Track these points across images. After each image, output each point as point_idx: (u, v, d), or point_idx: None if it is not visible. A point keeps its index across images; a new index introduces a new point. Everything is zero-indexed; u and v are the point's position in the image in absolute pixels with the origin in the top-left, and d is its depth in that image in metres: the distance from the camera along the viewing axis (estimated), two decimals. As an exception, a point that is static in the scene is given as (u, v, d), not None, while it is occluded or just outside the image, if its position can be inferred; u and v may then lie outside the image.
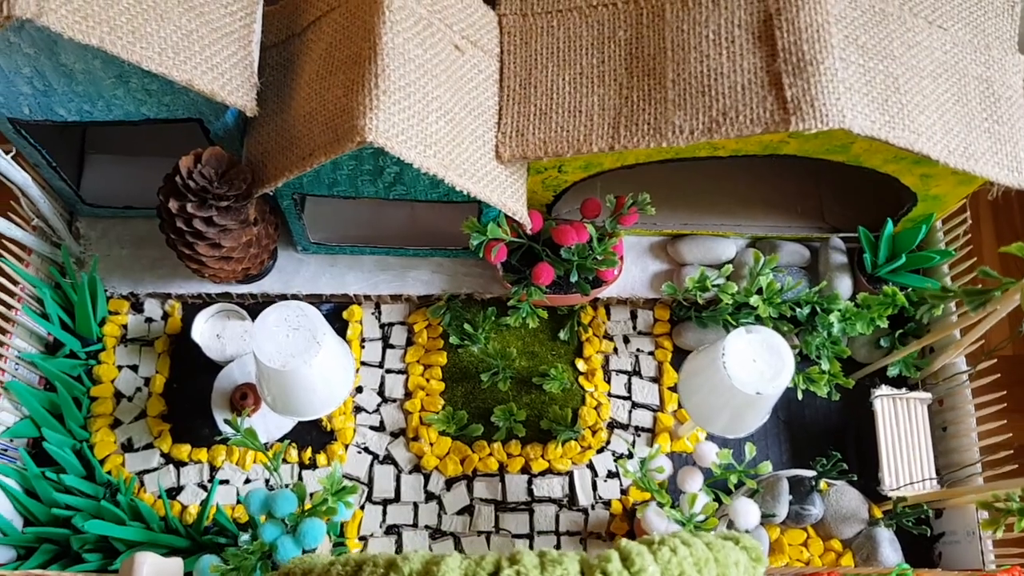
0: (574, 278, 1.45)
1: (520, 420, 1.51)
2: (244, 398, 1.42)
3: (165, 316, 1.57)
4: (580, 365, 1.57)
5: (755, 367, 1.22)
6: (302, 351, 1.19)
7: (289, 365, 1.18)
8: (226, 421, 1.29)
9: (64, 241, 1.50)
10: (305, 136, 1.23)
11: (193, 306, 1.58)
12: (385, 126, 1.14)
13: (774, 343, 1.22)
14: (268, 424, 1.45)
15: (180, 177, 1.24)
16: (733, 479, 1.27)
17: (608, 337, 1.61)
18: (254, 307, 1.57)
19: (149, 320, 1.57)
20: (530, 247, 1.48)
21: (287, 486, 1.24)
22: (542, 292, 1.45)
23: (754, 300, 1.45)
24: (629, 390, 1.58)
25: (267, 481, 1.49)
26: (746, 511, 1.28)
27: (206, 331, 1.51)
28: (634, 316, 1.63)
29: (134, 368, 1.54)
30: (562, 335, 1.58)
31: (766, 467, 1.28)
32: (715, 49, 1.23)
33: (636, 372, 1.59)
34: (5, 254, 1.40)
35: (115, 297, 1.56)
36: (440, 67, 1.24)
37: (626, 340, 1.61)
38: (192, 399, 1.52)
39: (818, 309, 1.48)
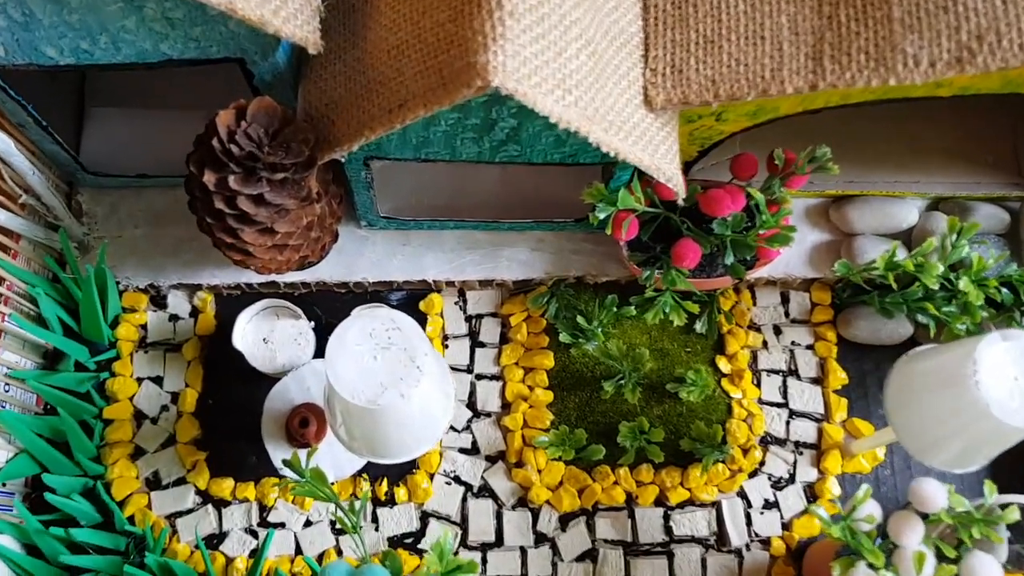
0: (729, 259, 1.11)
1: (656, 441, 1.18)
2: (304, 425, 1.09)
3: (195, 312, 1.24)
4: (722, 365, 1.24)
5: (1017, 387, 0.89)
6: (396, 380, 0.86)
7: (381, 400, 0.85)
8: (285, 463, 0.96)
9: (62, 222, 1.16)
10: (392, 80, 0.88)
11: (229, 299, 1.24)
12: (514, 63, 0.79)
13: (1043, 354, 0.89)
14: (337, 455, 1.12)
15: (218, 140, 0.90)
16: (975, 532, 0.95)
17: (755, 328, 1.27)
18: (307, 298, 1.23)
19: (174, 318, 1.24)
20: (666, 219, 1.13)
21: (358, 530, 0.92)
22: (683, 276, 1.11)
23: (964, 283, 1.11)
24: (785, 395, 1.25)
25: (333, 524, 1.17)
26: (987, 572, 0.96)
27: (250, 334, 1.18)
28: (785, 300, 1.29)
29: (158, 380, 1.21)
30: (698, 327, 1.24)
31: (1012, 513, 0.96)
32: (961, -55, 0.88)
33: (792, 372, 1.26)
34: (-15, 244, 1.06)
35: (130, 290, 1.22)
36: (576, -22, 0.88)
37: (777, 331, 1.27)
38: (234, 418, 1.19)
39: (1040, 291, 1.14)
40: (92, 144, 1.20)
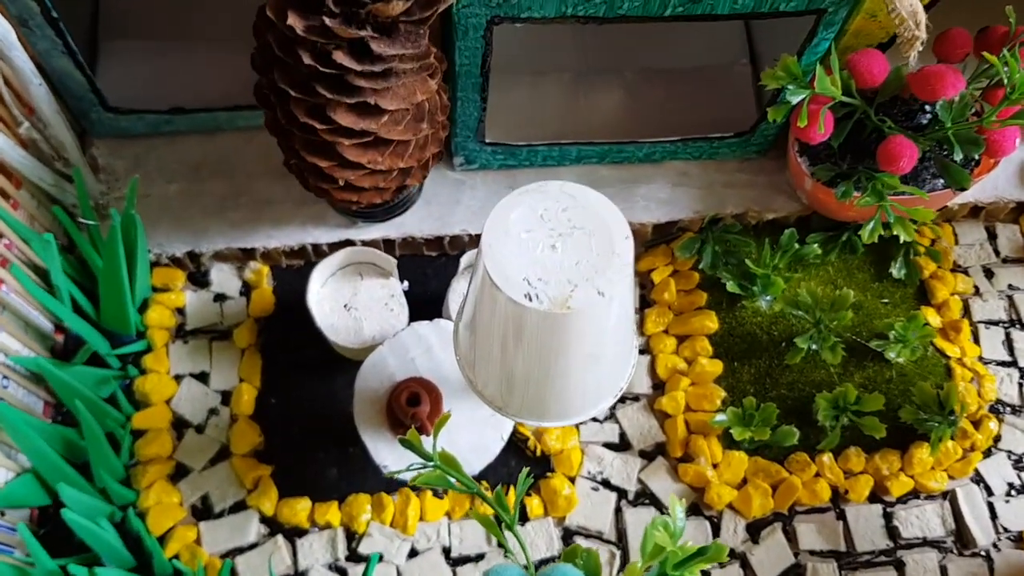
0: (958, 155, 0.84)
1: (870, 411, 0.89)
2: (415, 403, 0.80)
3: (246, 289, 0.96)
4: (931, 317, 0.96)
5: None
6: (590, 273, 0.58)
7: (574, 301, 0.57)
8: (403, 442, 0.66)
9: (75, 168, 0.89)
10: None
11: (290, 271, 0.96)
12: None
13: None
14: (459, 445, 0.82)
15: (307, -35, 0.63)
16: None
17: (961, 270, 1.00)
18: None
19: (221, 298, 0.95)
20: (855, 124, 0.87)
21: (513, 528, 0.63)
22: (895, 184, 0.85)
23: None
24: (1011, 351, 0.97)
25: (447, 551, 0.87)
26: None
27: (326, 301, 0.90)
28: (992, 236, 1.02)
29: (202, 377, 0.92)
30: (894, 271, 0.97)
31: None
32: None
33: (1015, 322, 0.99)
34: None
35: (163, 263, 0.94)
36: None
37: (989, 274, 1.01)
38: (305, 418, 0.91)
39: None
40: (109, 82, 0.94)
